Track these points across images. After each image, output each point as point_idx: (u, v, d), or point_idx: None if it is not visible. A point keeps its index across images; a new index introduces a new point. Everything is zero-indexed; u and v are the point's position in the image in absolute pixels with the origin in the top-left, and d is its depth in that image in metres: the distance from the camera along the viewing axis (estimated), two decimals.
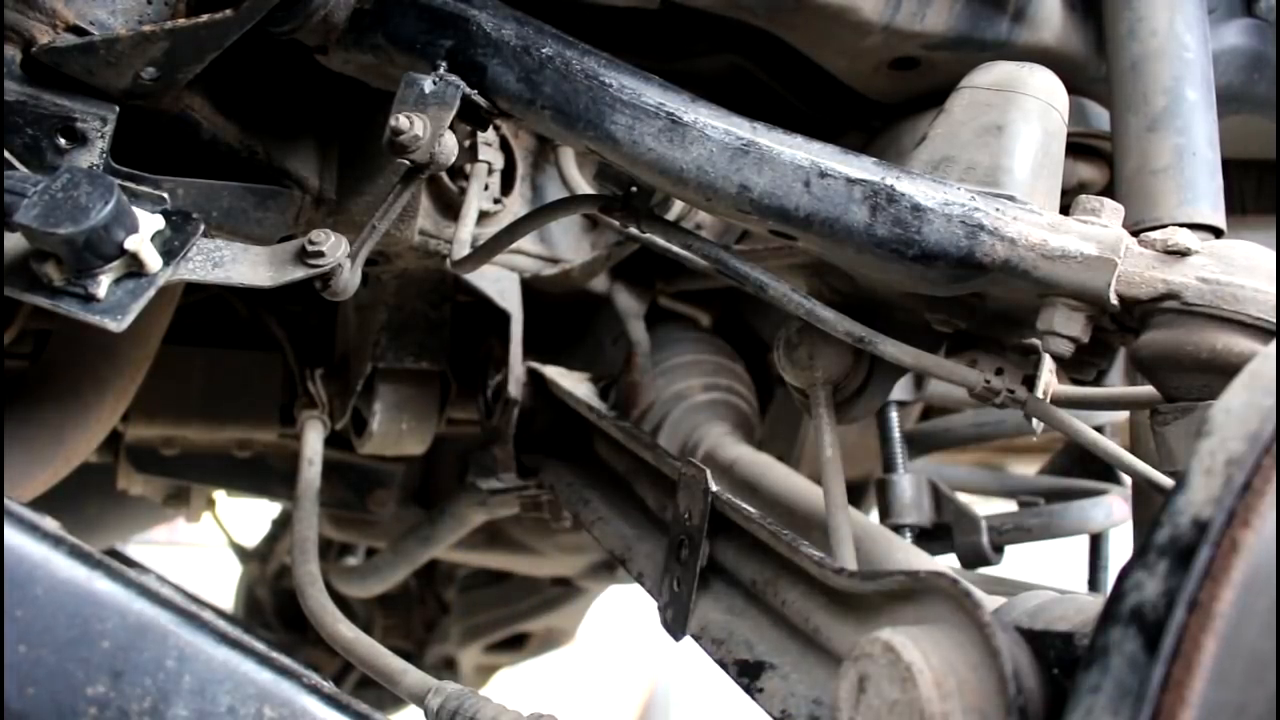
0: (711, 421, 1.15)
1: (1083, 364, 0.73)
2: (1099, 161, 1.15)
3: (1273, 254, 0.67)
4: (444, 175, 1.12)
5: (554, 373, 1.17)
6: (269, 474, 1.52)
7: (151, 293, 0.67)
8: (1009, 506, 1.38)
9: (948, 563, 1.11)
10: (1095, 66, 1.09)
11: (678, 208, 1.19)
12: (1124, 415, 1.26)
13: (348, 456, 1.49)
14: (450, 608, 2.28)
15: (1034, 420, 0.80)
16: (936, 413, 1.47)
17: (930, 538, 1.22)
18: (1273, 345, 0.54)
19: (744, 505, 0.76)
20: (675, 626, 0.80)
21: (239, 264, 0.73)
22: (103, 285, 0.66)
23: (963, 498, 1.23)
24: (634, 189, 0.88)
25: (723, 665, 0.75)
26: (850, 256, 0.72)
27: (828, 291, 0.82)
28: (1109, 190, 1.04)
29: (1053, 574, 1.23)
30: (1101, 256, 0.67)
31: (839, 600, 0.67)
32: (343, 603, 1.33)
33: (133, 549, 3.44)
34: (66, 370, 1.09)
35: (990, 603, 0.72)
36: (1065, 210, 0.72)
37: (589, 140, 0.75)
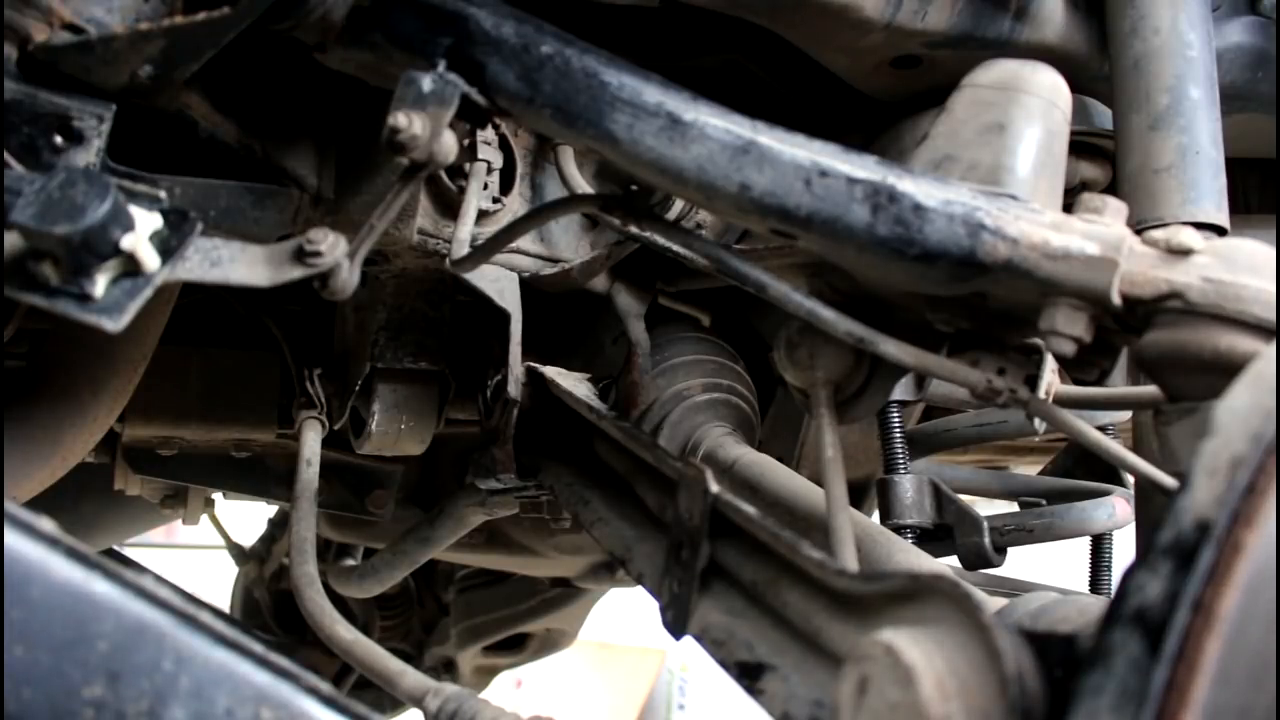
0: (712, 422, 1.15)
1: (1085, 364, 0.72)
2: (1101, 160, 1.15)
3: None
4: (443, 174, 1.12)
5: (553, 373, 1.17)
6: (267, 474, 1.51)
7: (149, 292, 0.67)
8: (1011, 507, 1.38)
9: (949, 564, 1.11)
10: (1098, 64, 1.09)
11: (678, 207, 1.18)
12: (1127, 415, 1.26)
13: (346, 457, 1.49)
14: (449, 609, 2.28)
15: (1036, 420, 0.80)
16: (938, 413, 1.46)
17: (932, 539, 1.22)
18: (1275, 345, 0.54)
19: (744, 506, 0.76)
20: (676, 627, 0.80)
21: (236, 263, 0.73)
22: (99, 285, 0.66)
23: (964, 498, 1.23)
24: (634, 188, 0.88)
25: (724, 666, 0.75)
26: (851, 256, 0.72)
27: (829, 291, 0.81)
28: (1112, 189, 1.04)
29: (1055, 575, 1.23)
30: (1104, 256, 0.66)
31: (840, 601, 0.67)
32: (341, 604, 1.33)
33: (130, 550, 3.44)
34: (63, 370, 1.08)
35: (992, 604, 0.72)
36: (1068, 209, 0.72)
37: (589, 139, 0.75)
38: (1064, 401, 0.78)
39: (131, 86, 0.80)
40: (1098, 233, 0.67)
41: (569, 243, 1.25)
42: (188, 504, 1.65)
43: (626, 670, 5.97)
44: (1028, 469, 2.04)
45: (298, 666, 0.56)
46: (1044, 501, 1.35)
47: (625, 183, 0.86)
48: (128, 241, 0.66)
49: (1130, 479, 1.33)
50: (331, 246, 0.73)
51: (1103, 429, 1.29)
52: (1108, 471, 1.40)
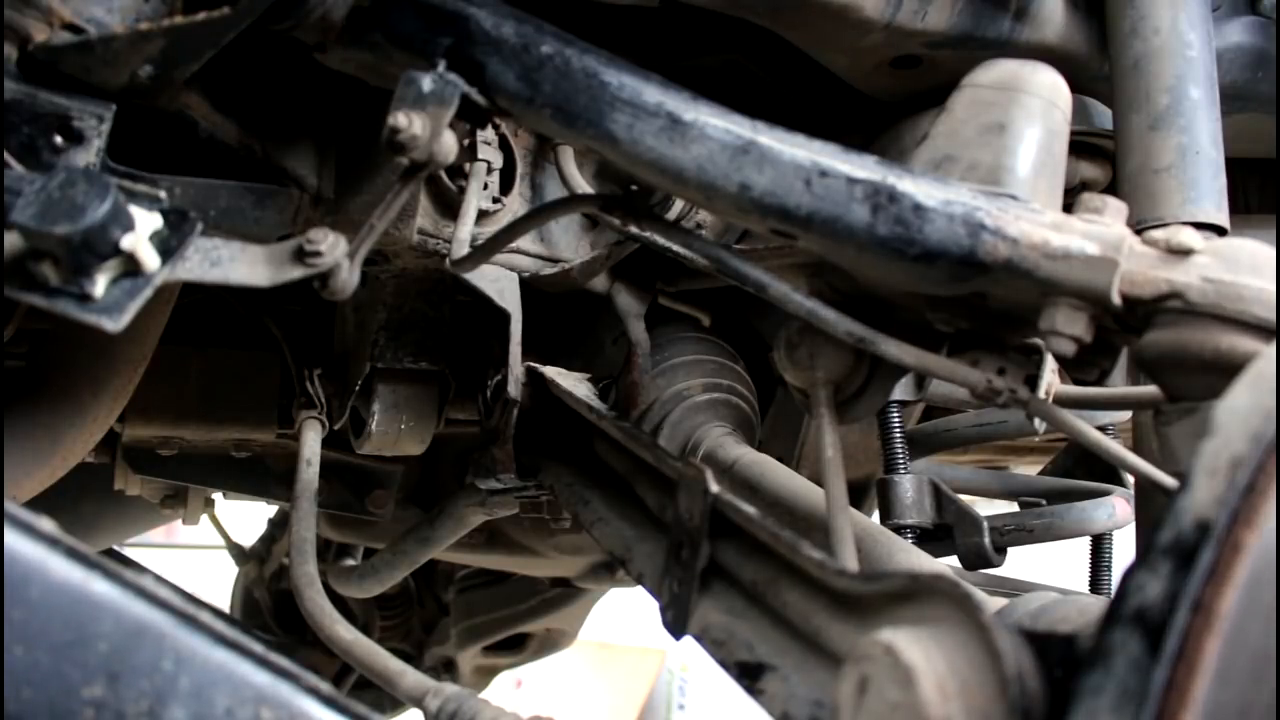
0: (712, 422, 1.15)
1: (1086, 364, 0.72)
2: (1102, 160, 1.15)
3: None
4: (443, 174, 1.12)
5: (553, 373, 1.17)
6: (267, 474, 1.51)
7: (149, 292, 0.67)
8: (1011, 507, 1.38)
9: (949, 564, 1.11)
10: (1098, 64, 1.09)
11: (678, 207, 1.18)
12: (1127, 415, 1.26)
13: (346, 457, 1.49)
14: (449, 609, 2.28)
15: (1036, 420, 0.79)
16: (938, 413, 1.46)
17: (932, 539, 1.22)
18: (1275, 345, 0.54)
19: (744, 506, 0.76)
20: (676, 627, 0.80)
21: (237, 263, 0.73)
22: (99, 285, 0.66)
23: (964, 498, 1.23)
24: (634, 188, 0.88)
25: (724, 666, 0.75)
26: (851, 256, 0.72)
27: (829, 291, 0.81)
28: (1112, 189, 1.04)
29: (1055, 575, 1.23)
30: (1104, 256, 0.66)
31: (840, 601, 0.67)
32: (341, 604, 1.33)
33: (130, 550, 3.44)
34: (63, 370, 1.08)
35: (992, 604, 0.72)
36: (1068, 209, 0.72)
37: (589, 139, 0.75)
38: (1064, 401, 0.78)
39: (131, 86, 0.80)
40: (1098, 233, 0.67)
41: (569, 243, 1.25)
42: (188, 504, 1.65)
43: (626, 670, 5.97)
44: (1028, 469, 2.04)
45: (298, 666, 0.56)
46: (1044, 501, 1.35)
47: (625, 183, 0.86)
48: (128, 241, 0.66)
49: (1130, 479, 1.33)
50: (331, 246, 0.73)
51: (1103, 429, 1.29)
52: (1108, 471, 1.40)
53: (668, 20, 1.08)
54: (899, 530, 1.21)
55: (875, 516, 1.27)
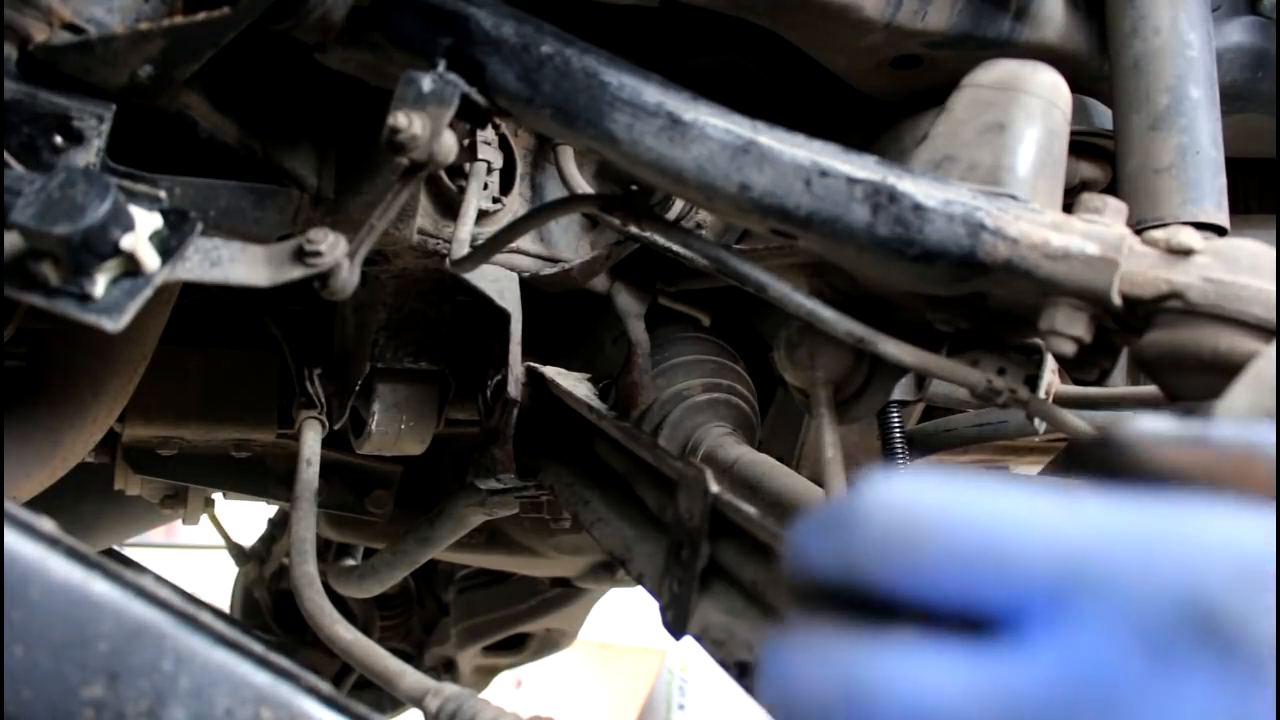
0: (712, 422, 1.15)
1: (1086, 364, 0.72)
2: (1101, 160, 1.15)
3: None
4: (443, 174, 1.12)
5: (553, 373, 1.17)
6: (267, 474, 1.51)
7: (149, 292, 0.67)
8: None
9: None
10: (1098, 65, 1.09)
11: (678, 207, 1.18)
12: (1127, 416, 1.26)
13: (346, 457, 1.49)
14: (449, 609, 2.28)
15: (1036, 420, 0.79)
16: (938, 413, 1.46)
17: None
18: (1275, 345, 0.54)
19: (744, 506, 0.76)
20: (676, 627, 0.80)
21: (236, 263, 0.73)
22: (99, 285, 0.66)
23: None
24: (634, 188, 0.87)
25: (724, 666, 0.75)
26: (851, 256, 0.72)
27: (829, 291, 0.81)
28: (1112, 189, 1.04)
29: None
30: (1104, 256, 0.66)
31: None
32: (341, 604, 1.33)
33: (130, 550, 3.43)
34: (63, 370, 1.08)
35: None
36: (1068, 209, 0.72)
37: (589, 139, 0.75)
38: (1064, 401, 0.78)
39: (131, 86, 0.80)
40: (1098, 233, 0.67)
41: (569, 243, 1.25)
42: (188, 504, 1.65)
43: (626, 670, 5.96)
44: (1028, 469, 2.04)
45: (298, 666, 0.56)
46: None
47: (625, 183, 0.86)
48: (128, 241, 0.66)
49: None
50: (331, 246, 0.73)
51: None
52: None
53: (668, 20, 1.08)
54: None
55: None
